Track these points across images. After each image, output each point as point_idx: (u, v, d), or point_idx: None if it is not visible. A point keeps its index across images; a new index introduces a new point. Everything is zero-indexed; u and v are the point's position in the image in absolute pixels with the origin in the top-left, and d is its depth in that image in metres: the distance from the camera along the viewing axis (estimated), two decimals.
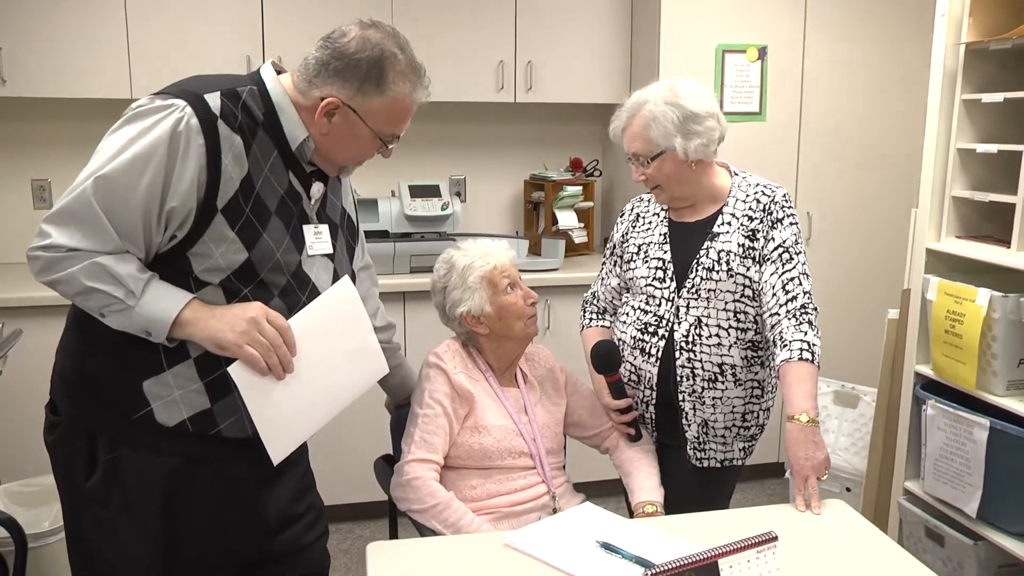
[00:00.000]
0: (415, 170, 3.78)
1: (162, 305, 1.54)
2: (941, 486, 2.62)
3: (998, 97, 2.50)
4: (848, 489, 3.21)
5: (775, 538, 1.32)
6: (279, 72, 1.69)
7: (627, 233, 2.23)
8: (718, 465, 2.14)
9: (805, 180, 3.62)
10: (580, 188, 3.70)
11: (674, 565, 1.22)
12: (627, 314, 2.19)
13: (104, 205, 1.50)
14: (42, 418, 2.96)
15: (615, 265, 2.27)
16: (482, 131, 3.93)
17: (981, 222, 2.71)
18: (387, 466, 2.20)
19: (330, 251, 1.74)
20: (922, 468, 2.72)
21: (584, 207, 3.77)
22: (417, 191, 3.43)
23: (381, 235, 3.36)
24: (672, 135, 1.99)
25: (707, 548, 1.29)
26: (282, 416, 1.62)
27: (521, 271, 2.19)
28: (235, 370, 1.56)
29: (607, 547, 1.61)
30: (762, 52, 3.50)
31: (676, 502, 2.05)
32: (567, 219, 3.68)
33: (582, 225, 3.75)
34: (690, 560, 1.24)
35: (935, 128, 2.68)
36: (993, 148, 2.54)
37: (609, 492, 2.79)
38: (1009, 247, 2.50)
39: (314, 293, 1.69)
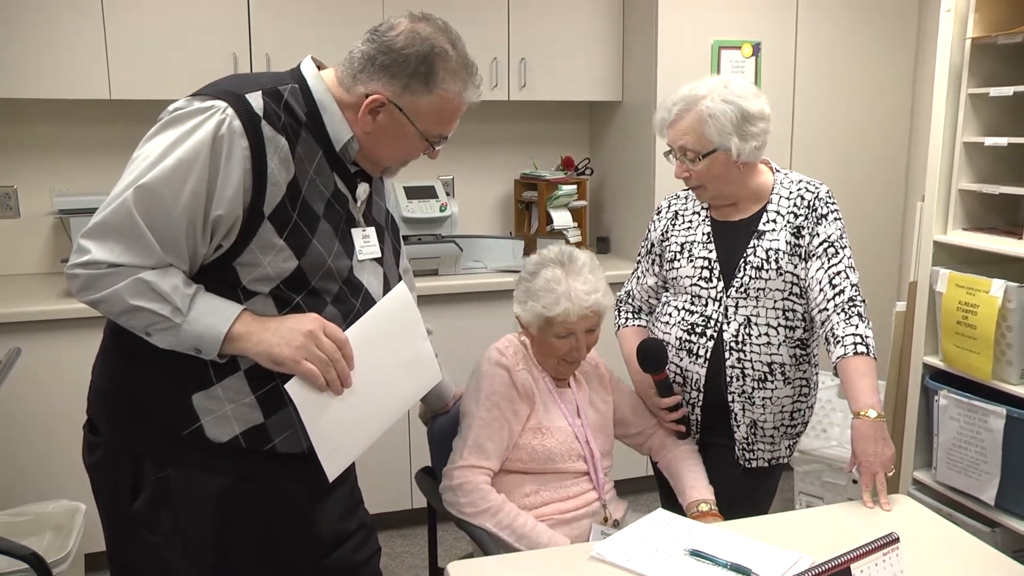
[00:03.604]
0: (403, 171, 3.68)
1: (211, 320, 1.45)
2: (955, 475, 2.66)
3: (1008, 91, 2.55)
4: (855, 481, 3.23)
5: (897, 539, 1.30)
6: (320, 68, 1.60)
7: (666, 231, 2.19)
8: (766, 465, 2.13)
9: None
10: (575, 187, 3.66)
11: (814, 572, 1.19)
12: (669, 315, 2.15)
13: (146, 216, 1.41)
14: (33, 442, 2.87)
15: (652, 264, 2.23)
16: (471, 130, 3.86)
17: (985, 214, 2.77)
18: (428, 478, 2.13)
19: (379, 255, 1.67)
20: (934, 458, 2.76)
21: (577, 206, 3.74)
22: (413, 192, 3.35)
23: None
24: (729, 134, 1.96)
25: (834, 555, 1.26)
26: (339, 431, 1.55)
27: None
28: (292, 387, 1.48)
29: (697, 554, 1.57)
30: (756, 48, 3.52)
31: (725, 503, 2.03)
32: (562, 218, 3.64)
33: (576, 224, 3.71)
34: (824, 567, 1.21)
35: (941, 122, 2.72)
36: (1003, 141, 2.59)
37: (640, 490, 2.79)
38: (1018, 238, 2.55)
39: (367, 299, 1.62)
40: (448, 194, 3.56)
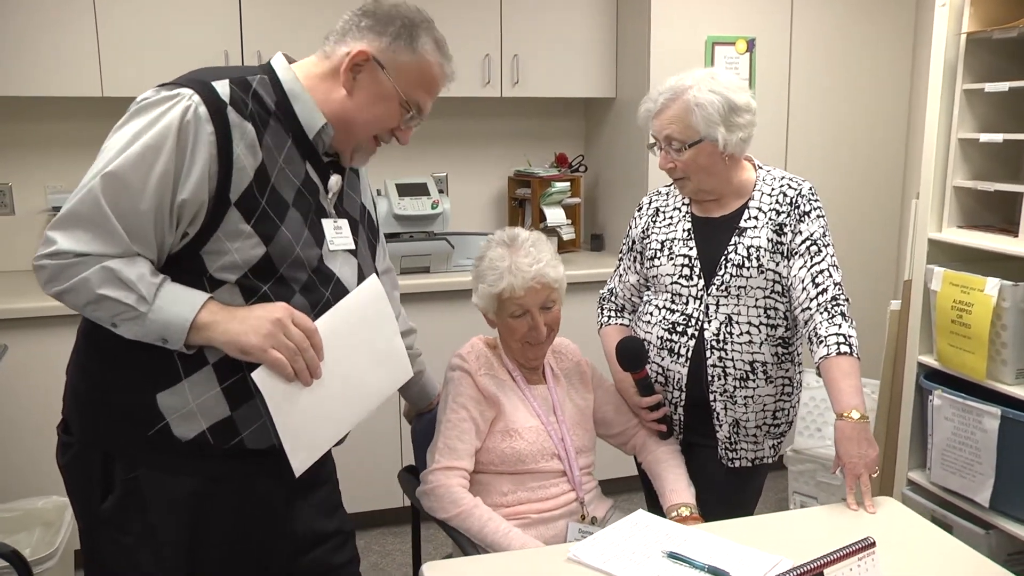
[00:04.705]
0: (396, 168, 3.69)
1: (177, 309, 1.42)
2: (949, 476, 2.63)
3: (1003, 86, 2.51)
4: None
5: (873, 544, 1.28)
6: (291, 62, 1.60)
7: (647, 228, 2.17)
8: (749, 465, 2.10)
9: (794, 171, 3.58)
10: (568, 184, 3.64)
11: None
12: (651, 313, 2.13)
13: (113, 204, 1.40)
14: (22, 438, 2.86)
15: (634, 261, 2.21)
16: (464, 127, 3.84)
17: (981, 211, 2.73)
18: (411, 477, 2.12)
19: (352, 246, 1.65)
20: (928, 458, 2.73)
21: (571, 203, 3.71)
22: (405, 189, 3.33)
23: None
24: (715, 124, 1.93)
25: (808, 559, 1.24)
26: (307, 424, 1.51)
27: None
28: (260, 376, 1.45)
29: (674, 557, 1.55)
30: (751, 44, 3.49)
31: (708, 503, 2.01)
32: (555, 216, 3.62)
33: (570, 222, 3.69)
34: (797, 571, 1.19)
35: (936, 118, 2.69)
36: (998, 137, 2.56)
37: (627, 489, 2.76)
38: (1013, 235, 2.52)
39: (338, 288, 1.60)
40: (441, 191, 3.55)
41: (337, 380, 1.52)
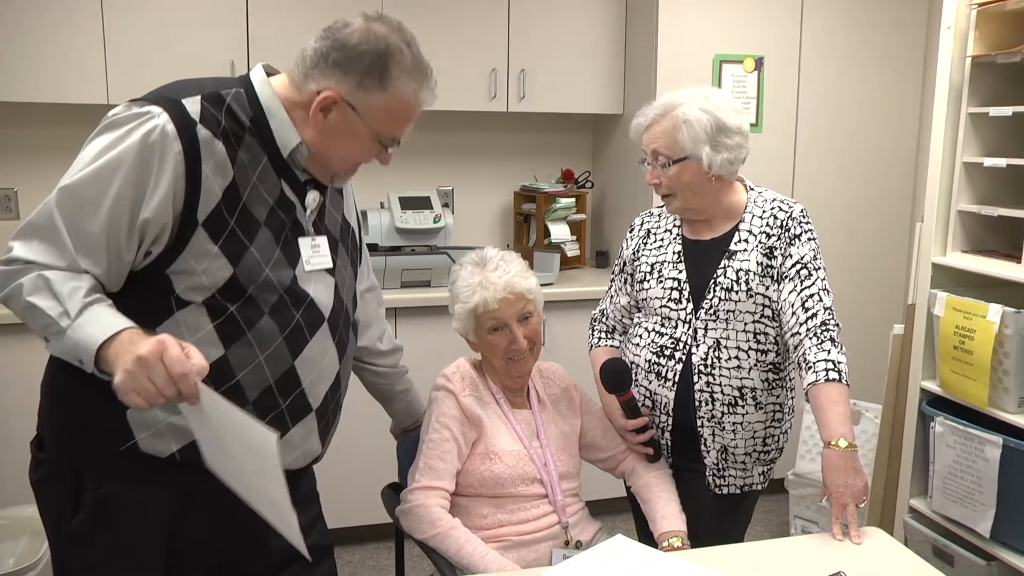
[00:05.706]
0: (402, 181, 3.68)
1: (91, 330, 1.34)
2: (951, 504, 2.58)
3: (1007, 111, 2.48)
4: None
5: None
6: (271, 75, 1.57)
7: (638, 250, 2.14)
8: (738, 491, 2.06)
9: (802, 192, 3.58)
10: (573, 200, 3.62)
11: None
12: (640, 336, 2.10)
13: (66, 217, 1.39)
14: (11, 445, 2.86)
15: (625, 283, 2.18)
16: (471, 141, 3.84)
17: (986, 236, 2.69)
18: (394, 494, 2.10)
19: (330, 265, 1.62)
20: (929, 486, 2.68)
21: (576, 219, 3.70)
22: (407, 203, 3.33)
23: (370, 248, 3.24)
24: (701, 143, 1.91)
25: None
26: (208, 441, 1.39)
27: None
28: None
29: None
30: (759, 63, 3.46)
31: (695, 529, 1.97)
32: (560, 232, 3.60)
33: (574, 238, 3.67)
34: None
35: (940, 141, 2.65)
36: (1002, 162, 2.52)
37: (617, 510, 2.74)
38: (1017, 261, 2.48)
39: (312, 309, 1.57)
40: (446, 205, 3.54)
41: (228, 444, 1.36)
